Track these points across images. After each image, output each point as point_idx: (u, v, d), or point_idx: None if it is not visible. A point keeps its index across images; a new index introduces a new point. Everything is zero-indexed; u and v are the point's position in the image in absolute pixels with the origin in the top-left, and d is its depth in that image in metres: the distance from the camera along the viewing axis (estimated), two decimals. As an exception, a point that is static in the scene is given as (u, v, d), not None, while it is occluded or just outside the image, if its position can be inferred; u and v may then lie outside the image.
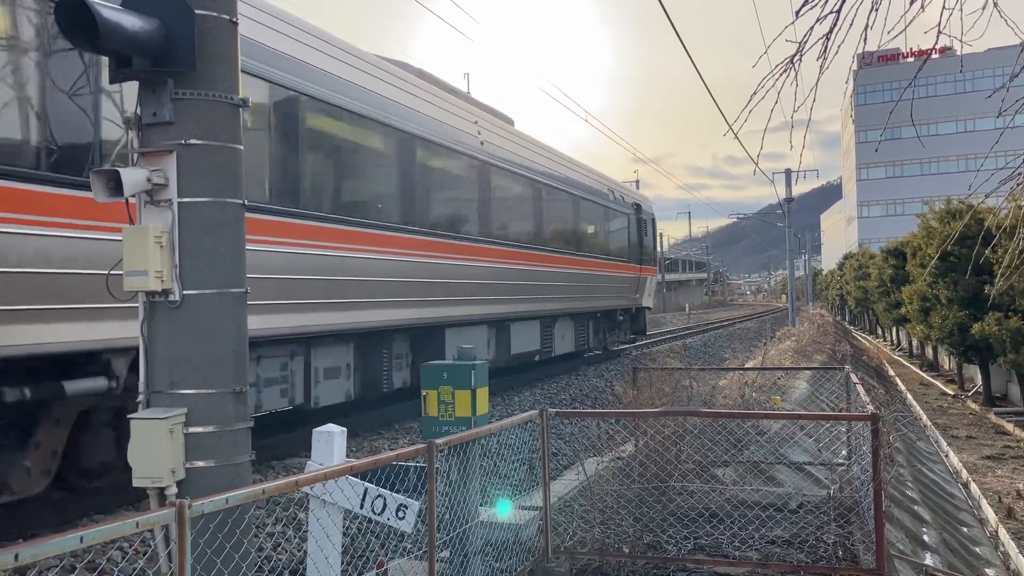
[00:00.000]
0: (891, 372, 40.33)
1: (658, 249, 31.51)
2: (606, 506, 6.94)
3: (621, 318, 25.91)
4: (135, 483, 3.99)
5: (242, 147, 4.37)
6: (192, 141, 4.13)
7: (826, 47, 3.97)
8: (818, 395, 13.51)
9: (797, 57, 3.99)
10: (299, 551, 6.62)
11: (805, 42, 3.94)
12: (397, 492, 4.82)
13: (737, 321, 58.11)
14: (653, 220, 29.35)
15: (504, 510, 5.76)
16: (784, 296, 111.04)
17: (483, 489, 5.91)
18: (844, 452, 8.99)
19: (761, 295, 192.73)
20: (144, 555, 6.12)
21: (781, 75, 4.02)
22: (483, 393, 5.82)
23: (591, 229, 22.72)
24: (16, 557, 2.59)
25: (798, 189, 45.54)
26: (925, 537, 10.07)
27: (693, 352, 26.87)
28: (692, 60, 10.47)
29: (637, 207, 27.09)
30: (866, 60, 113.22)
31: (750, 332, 40.76)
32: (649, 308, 29.03)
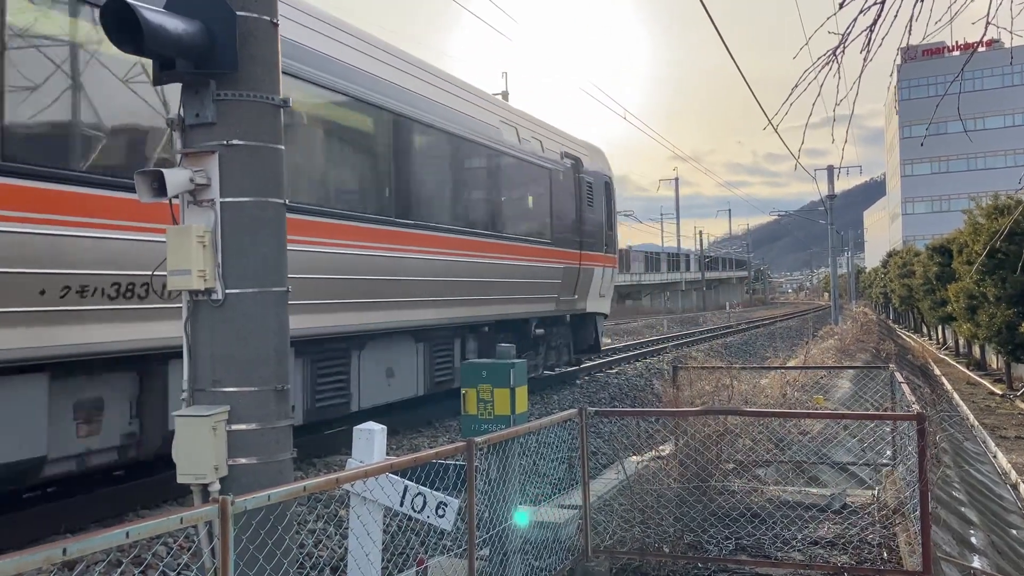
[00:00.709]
0: (937, 371, 39.66)
1: (617, 229, 20.57)
2: (646, 505, 6.91)
3: (541, 331, 16.28)
4: (179, 479, 4.05)
5: (283, 147, 4.41)
6: (234, 141, 4.18)
7: (870, 39, 3.91)
8: (862, 394, 13.32)
9: (840, 49, 3.92)
10: (340, 548, 6.67)
11: (848, 34, 3.88)
12: (437, 490, 4.84)
13: (778, 319, 57.50)
14: (608, 185, 19.30)
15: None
16: (826, 294, 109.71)
17: (522, 488, 5.91)
18: (889, 452, 8.86)
19: (803, 293, 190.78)
20: (188, 551, 6.21)
21: (823, 68, 3.95)
22: (522, 392, 5.82)
23: (461, 186, 13.26)
24: (64, 551, 2.64)
25: (840, 185, 44.96)
26: (972, 539, 9.88)
27: (734, 351, 26.65)
28: (731, 54, 10.37)
29: (575, 163, 17.47)
30: (910, 54, 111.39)
31: (792, 331, 40.32)
32: (603, 315, 19.49)
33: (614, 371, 21.85)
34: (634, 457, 7.98)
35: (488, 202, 14.09)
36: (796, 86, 4.02)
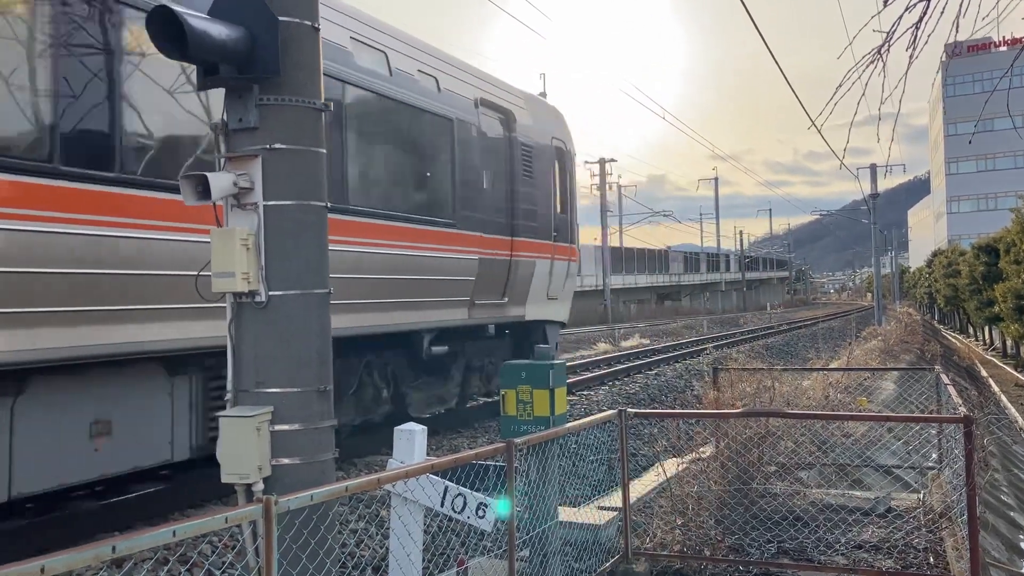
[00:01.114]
0: (984, 373, 38.91)
1: (576, 212, 15.51)
2: (686, 507, 6.87)
3: (443, 350, 11.46)
4: (224, 479, 4.11)
5: (324, 151, 4.45)
6: (277, 145, 4.23)
7: (915, 37, 3.85)
8: (906, 396, 13.10)
9: (885, 48, 3.87)
10: (381, 548, 6.72)
11: (893, 32, 3.83)
12: (477, 491, 4.85)
13: (820, 320, 56.82)
14: (561, 152, 14.52)
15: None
16: (869, 294, 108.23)
17: (562, 489, 5.90)
18: (934, 456, 8.72)
19: (845, 293, 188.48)
20: (233, 550, 6.30)
21: (868, 66, 3.90)
22: (561, 393, 5.82)
23: None
24: (113, 549, 2.70)
25: (884, 184, 44.49)
26: (1023, 544, 9.68)
27: (775, 352, 26.39)
28: (773, 56, 10.29)
29: (503, 118, 12.75)
30: (955, 50, 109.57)
31: (834, 331, 39.83)
32: (557, 323, 14.76)
33: (653, 372, 21.75)
34: (674, 459, 7.93)
35: (368, 166, 9.86)
36: (840, 85, 3.98)
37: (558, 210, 14.29)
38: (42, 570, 2.44)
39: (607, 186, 60.02)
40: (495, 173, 12.40)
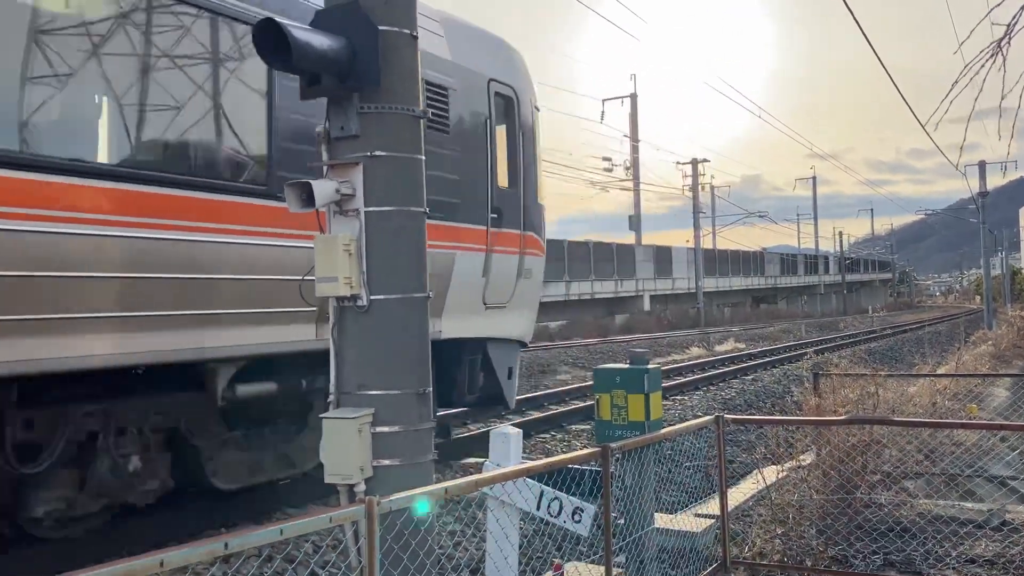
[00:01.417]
0: (1105, 380, 36.78)
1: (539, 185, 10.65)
2: (787, 516, 6.71)
3: (255, 390, 7.33)
4: (327, 480, 4.20)
5: (423, 157, 4.52)
6: (377, 153, 4.32)
7: (1037, 27, 3.67)
8: (1021, 404, 12.52)
9: (1005, 40, 3.70)
10: (478, 550, 6.76)
11: (1014, 24, 3.65)
12: (572, 495, 4.84)
13: (926, 324, 54.73)
14: (504, 103, 9.91)
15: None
16: (978, 297, 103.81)
17: (657, 495, 5.84)
18: (1054, 467, 8.30)
19: (952, 296, 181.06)
20: (335, 549, 6.44)
21: (987, 61, 3.74)
22: (656, 398, 5.76)
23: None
24: (226, 546, 2.80)
25: (993, 181, 42.61)
26: None
27: (878, 357, 25.52)
28: (874, 50, 9.97)
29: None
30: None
31: (941, 336, 38.28)
32: (516, 342, 10.39)
33: (750, 377, 21.33)
34: (773, 467, 7.76)
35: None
36: (956, 82, 3.83)
37: (502, 183, 9.89)
38: (161, 563, 2.55)
39: (699, 187, 59.11)
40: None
